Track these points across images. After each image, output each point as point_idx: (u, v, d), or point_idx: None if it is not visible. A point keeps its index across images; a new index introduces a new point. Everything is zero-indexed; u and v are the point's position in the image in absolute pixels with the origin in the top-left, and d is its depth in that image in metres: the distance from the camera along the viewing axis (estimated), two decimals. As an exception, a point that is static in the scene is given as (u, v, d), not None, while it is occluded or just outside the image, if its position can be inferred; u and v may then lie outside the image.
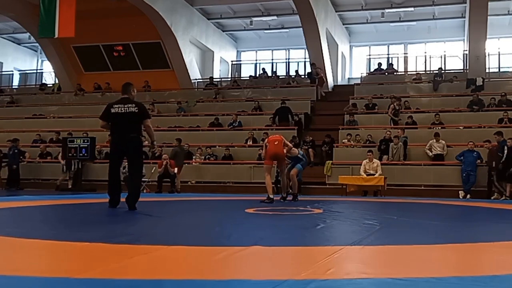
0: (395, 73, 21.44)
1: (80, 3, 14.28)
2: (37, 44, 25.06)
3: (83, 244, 3.50)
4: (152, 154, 15.08)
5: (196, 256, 3.17)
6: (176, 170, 13.71)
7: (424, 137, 14.54)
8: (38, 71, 27.62)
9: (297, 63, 24.42)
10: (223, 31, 24.68)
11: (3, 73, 26.63)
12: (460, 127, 15.36)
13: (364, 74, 22.07)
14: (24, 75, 27.28)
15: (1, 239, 3.77)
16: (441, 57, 21.88)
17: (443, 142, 13.89)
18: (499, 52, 21.66)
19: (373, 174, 12.81)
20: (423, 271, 2.76)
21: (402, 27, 23.54)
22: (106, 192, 6.72)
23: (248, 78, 22.84)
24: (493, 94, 16.66)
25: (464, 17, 21.23)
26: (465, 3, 19.84)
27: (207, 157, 15.39)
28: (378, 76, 21.20)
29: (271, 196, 8.75)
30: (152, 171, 13.81)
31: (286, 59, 25.46)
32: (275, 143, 9.06)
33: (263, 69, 23.56)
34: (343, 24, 23.56)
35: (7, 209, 6.75)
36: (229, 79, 23.53)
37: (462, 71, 20.45)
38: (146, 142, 7.95)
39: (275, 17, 23.05)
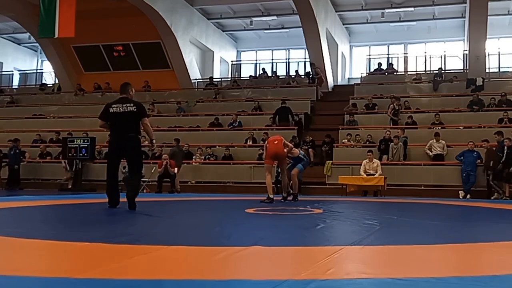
0: (395, 73, 21.44)
1: (80, 3, 14.28)
2: (37, 44, 25.06)
3: (83, 244, 3.50)
4: (152, 154, 15.09)
5: (196, 256, 3.17)
6: (176, 170, 13.70)
7: (424, 137, 14.54)
8: (38, 71, 27.63)
9: (297, 63, 24.42)
10: (223, 31, 24.68)
11: (3, 73, 26.64)
12: (460, 127, 15.35)
13: (364, 74, 22.07)
14: (24, 75, 27.28)
15: (1, 239, 3.77)
16: (441, 57, 21.88)
17: (443, 142, 13.89)
18: (499, 52, 21.66)
19: (373, 174, 12.81)
20: (423, 271, 2.76)
21: (402, 27, 23.55)
22: (105, 192, 6.72)
23: (248, 78, 22.84)
24: (493, 94, 16.65)
25: (464, 17, 21.23)
26: (465, 3, 19.84)
27: (207, 157, 15.39)
28: (378, 76, 21.20)
29: (271, 196, 8.75)
30: (152, 171, 13.81)
31: (286, 59, 25.46)
32: (275, 142, 9.07)
33: (263, 69, 23.57)
34: (343, 24, 23.56)
35: (7, 209, 6.75)
36: (229, 79, 23.53)
37: (462, 71, 20.45)
38: (146, 142, 7.95)
39: (275, 17, 23.05)
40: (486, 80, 18.16)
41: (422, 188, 13.43)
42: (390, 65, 21.90)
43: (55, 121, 19.27)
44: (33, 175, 15.86)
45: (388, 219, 5.95)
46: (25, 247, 3.45)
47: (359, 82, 21.03)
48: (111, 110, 6.56)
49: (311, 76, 20.68)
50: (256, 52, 26.26)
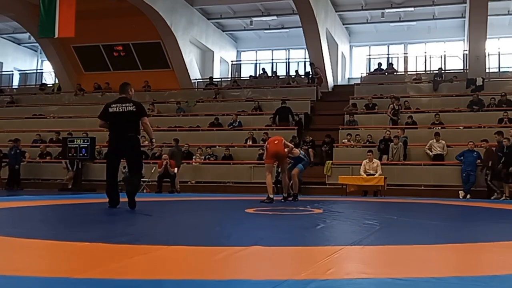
0: (395, 73, 21.44)
1: (80, 3, 14.28)
2: (37, 44, 25.06)
3: (83, 244, 3.50)
4: (152, 154, 15.09)
5: (196, 256, 3.17)
6: (176, 170, 13.71)
7: (424, 137, 14.54)
8: (38, 71, 27.63)
9: (297, 63, 24.42)
10: (223, 31, 24.68)
11: (3, 73, 26.64)
12: (460, 127, 15.35)
13: (364, 74, 22.07)
14: (24, 75, 27.28)
15: (1, 239, 3.77)
16: (441, 57, 21.88)
17: (443, 142, 13.89)
18: (499, 52, 21.66)
19: (373, 174, 12.81)
20: (423, 271, 2.76)
21: (402, 27, 23.55)
22: (105, 192, 6.73)
23: (248, 78, 22.84)
24: (493, 94, 16.65)
25: (464, 17, 21.23)
26: (465, 3, 19.84)
27: (207, 157, 15.39)
28: (378, 76, 21.20)
29: (271, 196, 8.75)
30: (152, 171, 13.82)
31: (286, 59, 25.46)
32: (275, 142, 9.08)
33: (263, 69, 23.57)
34: (343, 24, 23.56)
35: (7, 209, 6.75)
36: (229, 79, 23.54)
37: (462, 71, 20.45)
38: (146, 142, 7.96)
39: (275, 17, 23.05)
40: (486, 80, 18.16)
41: (422, 188, 13.43)
42: (390, 65, 21.90)
43: (55, 121, 19.27)
44: (33, 175, 15.85)
45: (388, 219, 5.95)
46: (25, 247, 3.45)
47: (359, 82, 21.03)
48: (110, 110, 6.57)
49: (310, 76, 20.69)
50: (256, 52, 26.26)
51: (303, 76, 21.41)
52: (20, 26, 22.54)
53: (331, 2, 21.15)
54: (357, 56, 25.02)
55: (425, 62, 22.57)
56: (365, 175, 12.83)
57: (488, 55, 19.58)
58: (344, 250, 3.34)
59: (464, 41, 22.09)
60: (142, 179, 13.06)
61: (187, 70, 21.38)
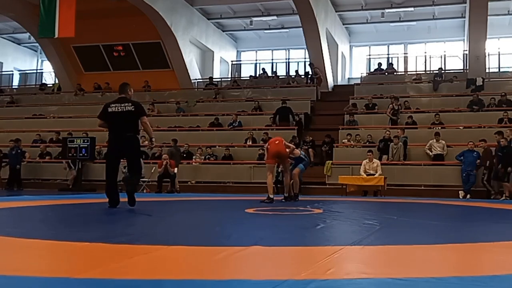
0: (395, 73, 21.45)
1: (80, 3, 14.28)
2: (37, 44, 25.06)
3: (83, 244, 3.50)
4: (152, 154, 15.09)
5: (196, 256, 3.17)
6: (176, 170, 13.71)
7: (424, 137, 14.54)
8: (38, 71, 27.63)
9: (297, 63, 24.42)
10: (223, 31, 24.68)
11: (3, 73, 26.64)
12: (460, 127, 15.36)
13: (364, 74, 22.08)
14: (24, 75, 27.28)
15: (1, 239, 3.77)
16: (441, 57, 21.89)
17: (443, 142, 13.89)
18: (499, 52, 21.66)
19: (373, 174, 12.81)
20: (423, 271, 2.76)
21: (402, 27, 23.55)
22: (105, 193, 6.74)
23: (248, 78, 22.84)
24: (493, 94, 16.66)
25: (464, 17, 21.23)
26: (465, 3, 19.84)
27: (207, 157, 15.39)
28: (378, 76, 21.21)
29: (271, 196, 8.76)
30: (152, 171, 13.82)
31: (286, 59, 25.46)
32: (276, 142, 9.10)
33: (263, 69, 23.58)
34: (343, 24, 23.56)
35: (7, 209, 6.75)
36: (229, 79, 23.54)
37: (462, 71, 20.45)
38: (146, 142, 7.97)
39: (275, 17, 23.06)
40: (486, 80, 18.16)
41: (422, 188, 13.43)
42: (390, 65, 21.90)
43: (55, 121, 19.28)
44: (33, 175, 15.86)
45: (388, 219, 5.95)
46: (25, 247, 3.45)
47: (359, 82, 21.03)
48: (109, 109, 6.60)
49: (310, 76, 20.71)
50: (256, 52, 26.26)
51: (302, 76, 21.41)
52: (20, 26, 22.54)
53: (331, 2, 21.16)
54: (357, 56, 25.03)
55: (425, 62, 22.57)
56: (365, 175, 12.83)
57: (488, 55, 19.59)
58: (344, 250, 3.34)
59: (464, 41, 22.09)
60: (142, 179, 13.09)
61: (187, 70, 21.38)
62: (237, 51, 26.21)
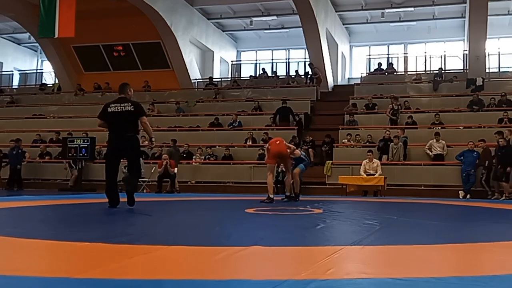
0: (395, 73, 21.45)
1: (80, 3, 14.28)
2: (37, 44, 25.06)
3: (83, 244, 3.50)
4: (152, 154, 15.09)
5: (196, 256, 3.17)
6: (176, 170, 13.71)
7: (424, 137, 14.54)
8: (38, 71, 27.63)
9: (297, 63, 24.43)
10: (223, 31, 24.69)
11: (3, 73, 26.64)
12: (460, 127, 15.36)
13: (364, 74, 22.08)
14: (24, 75, 27.29)
15: (1, 239, 3.77)
16: (441, 57, 21.89)
17: (443, 142, 13.89)
18: (499, 52, 21.67)
19: (373, 174, 12.81)
20: (423, 271, 2.76)
21: (402, 27, 23.55)
22: (104, 193, 6.75)
23: (248, 78, 22.84)
24: (493, 94, 16.66)
25: (464, 17, 21.24)
26: (465, 3, 19.85)
27: (207, 157, 15.39)
28: (378, 76, 21.21)
29: (271, 196, 8.76)
30: (152, 171, 13.82)
31: (286, 59, 25.47)
32: (277, 142, 9.11)
33: (263, 69, 23.58)
34: (343, 24, 23.57)
35: (7, 209, 6.75)
36: (229, 79, 23.54)
37: (462, 71, 20.46)
38: (146, 142, 7.99)
39: (275, 17, 23.06)
40: (486, 80, 18.16)
41: (422, 188, 13.43)
42: (390, 65, 21.90)
43: (55, 121, 19.28)
44: (33, 175, 15.85)
45: (388, 219, 5.95)
46: (25, 247, 3.45)
47: (359, 82, 21.03)
48: (109, 109, 6.63)
49: (309, 76, 20.73)
50: (256, 52, 26.27)
51: (302, 77, 21.42)
52: (20, 26, 22.55)
53: (331, 2, 21.16)
54: (357, 56, 25.03)
55: (425, 62, 22.57)
56: (365, 175, 12.83)
57: (488, 55, 19.59)
58: (344, 250, 3.34)
59: (464, 41, 22.09)
60: (142, 179, 13.09)
61: (187, 70, 21.38)
62: (237, 51, 26.21)
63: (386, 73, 21.28)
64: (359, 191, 12.91)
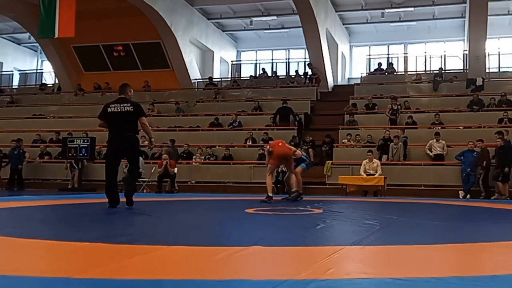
0: (395, 73, 21.45)
1: (80, 3, 14.28)
2: (37, 44, 25.06)
3: (83, 244, 3.50)
4: (152, 154, 15.09)
5: (196, 256, 3.17)
6: (176, 170, 13.72)
7: (424, 137, 14.54)
8: (38, 71, 27.64)
9: (297, 63, 24.43)
10: (223, 31, 24.69)
11: (3, 73, 26.64)
12: (460, 127, 15.36)
13: (364, 74, 22.08)
14: (24, 75, 27.29)
15: (1, 239, 3.77)
16: (441, 57, 21.89)
17: (443, 142, 13.89)
18: (499, 52, 21.67)
19: (373, 174, 12.81)
20: (423, 271, 2.76)
21: (402, 27, 23.55)
22: (104, 193, 6.77)
23: (248, 78, 22.85)
24: (493, 94, 16.66)
25: (464, 17, 21.24)
26: (465, 3, 19.85)
27: (207, 157, 15.39)
28: (378, 76, 21.21)
29: (270, 194, 8.76)
30: (152, 171, 13.82)
31: (286, 59, 25.47)
32: (280, 144, 9.11)
33: (263, 69, 23.58)
34: (343, 24, 23.56)
35: (7, 209, 6.75)
36: (229, 79, 23.54)
37: (462, 71, 20.46)
38: (146, 142, 8.01)
39: (275, 17, 23.06)
40: (486, 80, 18.16)
41: (422, 188, 13.43)
42: (390, 65, 21.90)
43: (55, 121, 19.28)
44: (33, 175, 15.85)
45: (388, 219, 5.95)
46: (25, 247, 3.45)
47: (359, 82, 21.03)
48: (109, 110, 6.67)
49: (308, 76, 20.75)
50: (256, 52, 26.26)
51: (302, 77, 21.43)
52: (20, 26, 22.54)
53: (331, 2, 21.15)
54: (357, 56, 25.03)
55: (425, 62, 22.58)
56: (365, 175, 12.83)
57: (488, 55, 19.59)
58: (344, 250, 3.34)
59: (464, 41, 22.09)
60: (142, 179, 13.10)
61: (187, 70, 21.38)
62: (237, 51, 26.21)
63: (386, 73, 21.28)
64: (359, 191, 12.91)
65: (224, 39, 24.92)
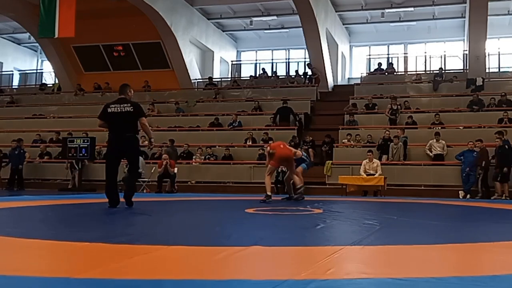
0: (395, 73, 21.45)
1: (80, 3, 14.28)
2: (37, 44, 25.06)
3: (83, 244, 3.50)
4: (152, 154, 15.09)
5: (196, 256, 3.17)
6: (176, 170, 13.72)
7: (424, 137, 14.54)
8: (38, 71, 27.63)
9: (297, 63, 24.43)
10: (223, 31, 24.69)
11: (3, 73, 26.64)
12: (460, 127, 15.36)
13: (364, 74, 22.08)
14: (24, 75, 27.29)
15: (1, 239, 3.77)
16: (441, 57, 21.89)
17: (443, 142, 13.89)
18: (499, 52, 21.67)
19: (373, 174, 12.81)
20: (423, 271, 2.76)
21: (402, 27, 23.55)
22: (104, 193, 6.78)
23: (248, 78, 22.85)
24: (493, 94, 16.66)
25: (464, 17, 21.23)
26: (465, 3, 19.85)
27: (207, 157, 15.39)
28: (378, 76, 21.21)
29: (269, 193, 8.76)
30: (152, 171, 13.82)
31: (286, 59, 25.47)
32: (281, 146, 9.11)
33: (263, 69, 23.58)
34: (343, 24, 23.56)
35: (7, 209, 6.75)
36: (229, 79, 23.54)
37: (462, 71, 20.46)
38: (146, 142, 8.03)
39: (275, 17, 23.05)
40: (486, 80, 18.16)
41: (422, 188, 13.43)
42: (390, 65, 21.90)
43: (55, 121, 19.28)
44: (33, 175, 15.85)
45: (388, 219, 5.95)
46: (25, 247, 3.45)
47: (359, 82, 21.03)
48: (109, 110, 6.70)
49: (308, 76, 20.74)
50: (256, 52, 26.26)
51: (302, 77, 21.43)
52: (20, 26, 22.54)
53: (331, 2, 21.15)
54: (357, 56, 25.03)
55: (425, 62, 22.58)
56: (365, 175, 12.83)
57: (488, 55, 19.59)
58: (344, 250, 3.34)
59: (464, 41, 22.09)
60: (142, 179, 13.10)
61: (187, 70, 21.38)
62: (237, 51, 26.21)
63: (386, 73, 21.29)
64: (359, 191, 12.91)
65: (224, 39, 24.92)
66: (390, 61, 22.36)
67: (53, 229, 4.81)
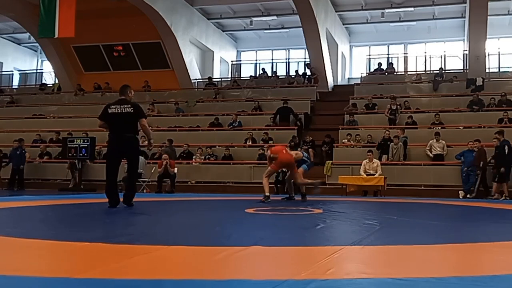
0: (395, 73, 21.45)
1: (80, 3, 14.28)
2: (37, 44, 25.07)
3: (83, 244, 3.50)
4: (152, 155, 15.09)
5: (196, 256, 3.17)
6: (176, 170, 13.72)
7: (424, 137, 14.54)
8: (38, 71, 27.64)
9: (297, 63, 24.43)
10: (223, 31, 24.69)
11: (3, 73, 26.64)
12: (460, 127, 15.36)
13: (364, 74, 22.09)
14: (24, 75, 27.29)
15: (1, 239, 3.77)
16: (441, 57, 21.89)
17: (443, 142, 13.89)
18: (499, 52, 21.68)
19: (373, 174, 12.81)
20: (423, 271, 2.76)
21: (402, 27, 23.55)
22: (104, 193, 6.79)
23: (248, 78, 22.85)
24: (493, 94, 16.66)
25: (464, 17, 21.24)
26: (465, 3, 19.85)
27: (207, 157, 15.39)
28: (378, 76, 21.21)
29: (267, 193, 8.75)
30: (152, 171, 13.82)
31: (286, 59, 25.47)
32: (284, 151, 9.10)
33: (263, 69, 23.59)
34: (343, 24, 23.57)
35: (7, 209, 6.75)
36: (229, 79, 23.54)
37: (462, 71, 20.46)
38: (146, 142, 8.04)
39: (275, 17, 23.06)
40: (486, 80, 18.17)
41: (422, 188, 13.43)
42: (390, 65, 21.91)
43: (55, 121, 19.28)
44: (34, 175, 15.84)
45: (388, 219, 5.95)
46: (25, 247, 3.45)
47: (359, 82, 21.04)
48: (109, 110, 6.74)
49: (307, 76, 20.74)
50: (256, 52, 26.27)
51: (301, 77, 21.44)
52: (20, 26, 22.55)
53: (331, 2, 21.16)
54: (357, 56, 25.03)
55: (425, 62, 22.58)
56: (365, 175, 12.82)
57: (488, 55, 19.60)
58: (344, 250, 3.34)
59: (464, 41, 22.09)
60: (142, 179, 13.10)
61: (187, 70, 21.38)
62: (237, 51, 26.22)
63: (386, 73, 21.29)
64: (359, 191, 12.91)
65: (224, 39, 24.92)
66: (390, 61, 22.37)
67: (53, 229, 4.81)
